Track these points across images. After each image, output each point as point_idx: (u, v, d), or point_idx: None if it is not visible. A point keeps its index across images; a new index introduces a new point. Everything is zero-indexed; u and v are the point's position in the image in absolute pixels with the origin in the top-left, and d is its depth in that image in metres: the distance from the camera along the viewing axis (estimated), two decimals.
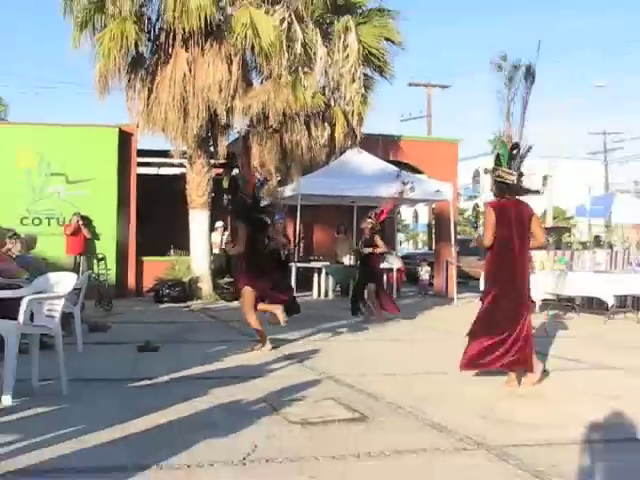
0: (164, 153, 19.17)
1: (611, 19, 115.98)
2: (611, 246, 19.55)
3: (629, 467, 4.62)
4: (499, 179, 7.51)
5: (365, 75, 18.49)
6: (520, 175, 7.58)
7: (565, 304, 15.55)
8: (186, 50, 16.86)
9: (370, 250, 13.53)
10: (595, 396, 6.76)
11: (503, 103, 7.61)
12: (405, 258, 25.27)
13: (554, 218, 41.20)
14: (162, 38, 17.44)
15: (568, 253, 17.67)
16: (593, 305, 15.01)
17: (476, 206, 55.05)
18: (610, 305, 14.05)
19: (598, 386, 7.36)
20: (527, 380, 7.24)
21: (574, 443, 5.02)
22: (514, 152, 7.57)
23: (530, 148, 7.76)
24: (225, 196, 17.74)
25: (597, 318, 14.20)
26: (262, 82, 17.97)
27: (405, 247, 54.81)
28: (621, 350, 10.30)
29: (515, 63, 7.58)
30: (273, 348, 9.42)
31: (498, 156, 7.64)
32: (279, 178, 18.44)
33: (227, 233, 11.95)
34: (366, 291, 13.76)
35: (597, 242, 22.28)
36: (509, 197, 7.45)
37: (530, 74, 7.55)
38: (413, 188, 15.21)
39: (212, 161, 18.36)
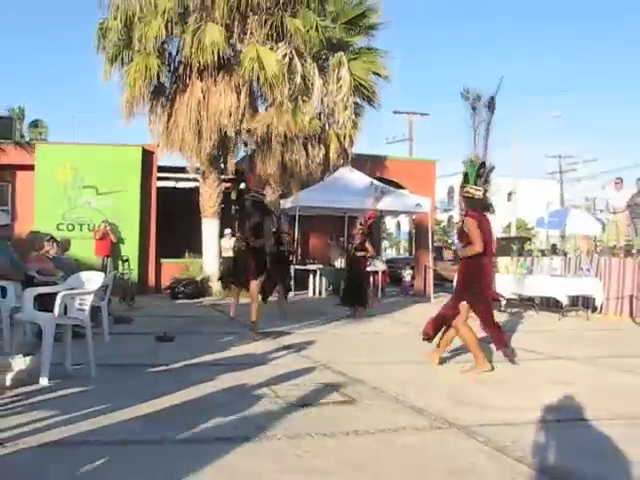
0: (181, 169, 19.18)
1: (570, 63, 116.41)
2: (565, 253, 19.57)
3: (576, 441, 4.66)
4: (468, 195, 7.51)
5: (356, 103, 18.53)
6: (485, 191, 7.61)
7: (526, 303, 15.59)
8: (201, 80, 16.89)
9: (362, 254, 13.52)
10: (550, 382, 6.79)
11: (470, 129, 7.64)
12: (389, 262, 25.28)
13: (517, 229, 41.23)
14: (180, 70, 17.49)
15: (529, 259, 17.74)
16: (550, 304, 15.03)
17: (451, 217, 55.08)
18: (564, 304, 14.08)
19: (553, 374, 7.38)
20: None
21: (532, 423, 5.06)
22: (481, 171, 7.59)
23: (493, 168, 7.78)
24: (233, 207, 17.73)
25: (553, 316, 14.21)
26: (266, 108, 17.98)
27: (389, 253, 54.76)
28: (572, 343, 10.32)
29: (478, 94, 7.63)
30: (272, 338, 9.50)
31: (466, 175, 7.66)
32: (280, 192, 18.47)
33: (234, 239, 11.85)
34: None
35: (554, 250, 22.27)
36: (479, 211, 7.43)
37: (491, 105, 7.59)
38: (384, 190, 15.20)
39: (222, 176, 18.36)
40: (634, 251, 15.75)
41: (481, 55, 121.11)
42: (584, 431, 4.93)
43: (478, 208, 7.44)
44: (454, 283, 7.95)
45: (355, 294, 13.64)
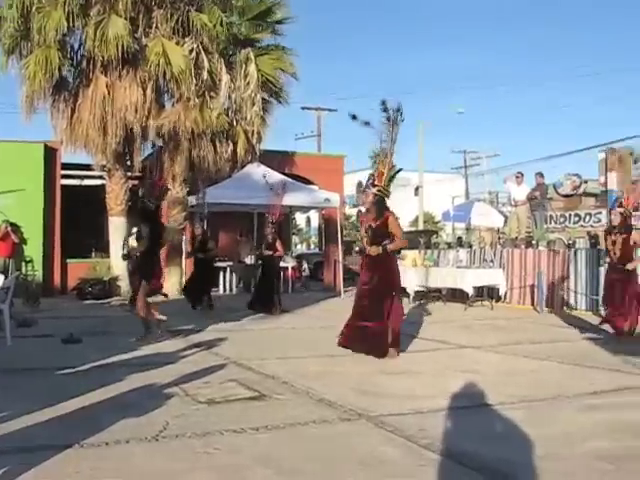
0: (86, 166, 18.72)
1: (473, 59, 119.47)
2: (470, 245, 20.16)
3: (481, 426, 4.81)
4: (384, 193, 7.91)
5: (263, 99, 18.45)
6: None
7: (434, 295, 15.94)
8: (105, 75, 16.50)
9: (270, 253, 13.54)
10: (456, 370, 6.98)
11: (385, 138, 7.93)
12: (298, 258, 25.43)
13: (424, 222, 42.01)
14: (84, 64, 17.03)
15: (436, 252, 18.16)
16: (456, 295, 15.40)
17: (359, 212, 55.61)
18: (470, 295, 14.47)
19: (459, 362, 7.60)
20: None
21: (439, 410, 5.19)
22: (395, 175, 8.07)
23: (400, 169, 8.25)
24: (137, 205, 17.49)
25: (459, 306, 14.58)
26: (173, 104, 17.69)
27: (299, 248, 54.93)
28: (477, 332, 10.63)
29: (398, 107, 7.93)
30: (182, 336, 9.48)
31: (372, 175, 8.08)
32: (188, 189, 18.25)
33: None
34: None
35: (459, 242, 22.92)
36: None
37: (401, 116, 7.91)
38: (285, 185, 15.20)
39: (129, 174, 18.01)
40: (534, 242, 16.38)
41: (389, 51, 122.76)
42: (488, 416, 5.10)
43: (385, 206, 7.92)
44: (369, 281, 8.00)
45: (265, 297, 13.66)
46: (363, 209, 8.46)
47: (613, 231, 9.49)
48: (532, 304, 14.60)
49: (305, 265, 22.29)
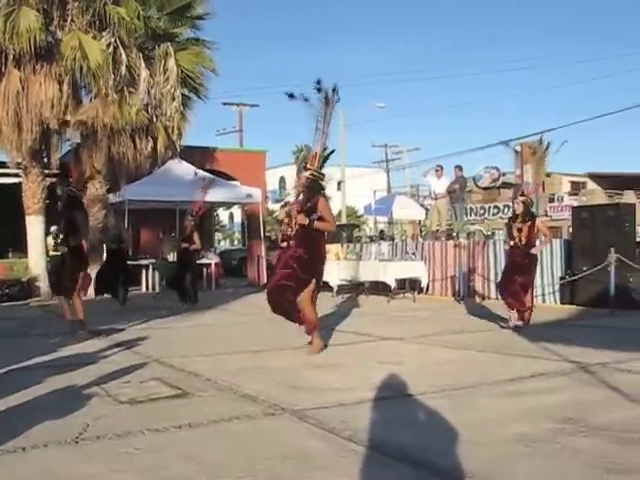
0: (2, 164, 18.13)
1: (389, 55, 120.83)
2: (392, 238, 20.42)
3: (402, 416, 4.82)
4: (316, 176, 7.70)
5: (183, 95, 18.21)
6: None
7: (357, 288, 16.07)
8: (19, 69, 16.00)
9: (186, 245, 13.36)
10: (379, 362, 7.03)
11: (320, 119, 7.74)
12: (222, 254, 25.32)
13: (347, 216, 42.36)
14: None
15: (358, 245, 18.31)
16: (379, 288, 15.55)
17: (282, 206, 55.63)
18: (392, 287, 14.64)
19: (382, 354, 7.66)
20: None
21: (362, 402, 5.21)
22: (328, 157, 7.90)
23: (333, 151, 8.10)
24: (58, 203, 17.00)
25: (382, 299, 14.74)
26: (91, 100, 17.32)
27: (223, 245, 54.61)
28: (400, 324, 10.77)
29: (334, 87, 7.79)
30: (104, 336, 9.26)
31: (305, 158, 7.95)
32: (108, 186, 17.88)
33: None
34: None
35: (381, 235, 23.16)
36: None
37: (337, 95, 7.79)
38: (210, 180, 15.03)
39: (46, 171, 17.52)
40: (455, 234, 16.71)
41: (305, 47, 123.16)
42: (410, 406, 5.16)
43: (319, 191, 7.72)
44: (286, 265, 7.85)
45: (177, 286, 13.56)
46: (294, 195, 8.32)
47: (517, 219, 9.84)
48: (453, 295, 14.89)
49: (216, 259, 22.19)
